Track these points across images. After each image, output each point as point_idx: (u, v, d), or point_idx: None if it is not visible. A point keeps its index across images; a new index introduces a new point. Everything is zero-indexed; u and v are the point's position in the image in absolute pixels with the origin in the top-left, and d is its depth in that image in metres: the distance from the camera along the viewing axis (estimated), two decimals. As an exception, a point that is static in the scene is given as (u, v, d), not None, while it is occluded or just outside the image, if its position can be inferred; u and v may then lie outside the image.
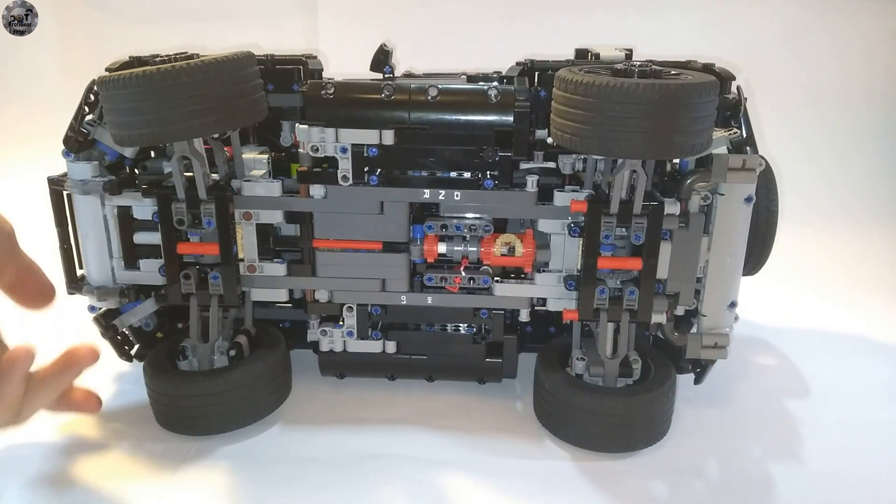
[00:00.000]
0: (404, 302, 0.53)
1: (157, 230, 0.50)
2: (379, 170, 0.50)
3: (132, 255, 0.54)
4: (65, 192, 0.52)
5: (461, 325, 0.56)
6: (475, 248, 0.51)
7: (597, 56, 0.56)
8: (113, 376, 0.60)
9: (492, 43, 1.01)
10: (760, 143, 0.50)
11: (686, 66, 0.52)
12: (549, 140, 0.48)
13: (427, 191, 0.50)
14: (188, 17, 1.04)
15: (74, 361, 0.44)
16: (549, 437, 0.52)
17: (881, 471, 0.49)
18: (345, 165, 0.50)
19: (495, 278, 0.52)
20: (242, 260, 0.53)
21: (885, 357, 0.65)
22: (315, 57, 0.59)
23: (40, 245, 0.62)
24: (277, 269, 0.53)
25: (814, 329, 0.71)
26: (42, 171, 0.54)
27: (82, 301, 0.55)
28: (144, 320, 0.57)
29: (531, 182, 0.50)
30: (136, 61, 0.54)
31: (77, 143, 0.50)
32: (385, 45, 0.54)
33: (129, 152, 0.53)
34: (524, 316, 0.54)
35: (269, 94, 0.54)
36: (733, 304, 0.50)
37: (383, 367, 0.57)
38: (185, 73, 0.43)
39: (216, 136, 0.51)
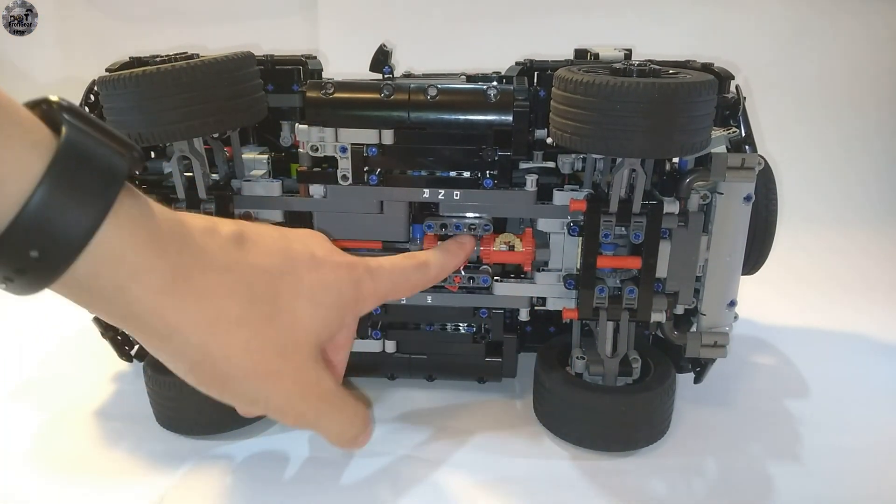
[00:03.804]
0: (404, 301, 0.53)
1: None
2: (378, 169, 0.50)
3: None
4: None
5: (461, 324, 0.56)
6: (476, 246, 0.51)
7: (596, 56, 0.56)
8: (113, 376, 0.60)
9: (491, 43, 1.01)
10: (759, 143, 0.50)
11: (685, 65, 0.52)
12: (549, 140, 0.48)
13: (426, 190, 0.50)
14: (188, 17, 1.04)
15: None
16: (549, 435, 0.52)
17: (880, 470, 0.49)
18: (344, 165, 0.50)
19: (495, 277, 0.52)
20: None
21: (885, 357, 0.65)
22: (315, 57, 0.59)
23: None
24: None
25: (814, 329, 0.71)
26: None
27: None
28: (144, 320, 0.57)
29: (530, 181, 0.50)
30: (136, 61, 0.54)
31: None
32: (385, 46, 0.54)
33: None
34: (524, 315, 0.54)
35: (269, 94, 0.54)
36: (733, 303, 0.50)
37: (383, 366, 0.57)
38: (184, 74, 0.43)
39: (216, 136, 0.51)
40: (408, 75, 0.59)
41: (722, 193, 0.47)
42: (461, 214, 0.51)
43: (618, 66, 0.44)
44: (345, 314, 0.36)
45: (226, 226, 0.33)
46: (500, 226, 0.53)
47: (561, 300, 0.52)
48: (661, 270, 0.49)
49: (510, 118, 0.49)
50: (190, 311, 0.30)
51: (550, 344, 0.56)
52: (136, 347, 0.59)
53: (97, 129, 0.27)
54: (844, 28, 1.00)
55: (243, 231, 0.33)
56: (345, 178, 0.50)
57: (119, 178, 0.26)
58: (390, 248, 0.52)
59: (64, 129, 0.25)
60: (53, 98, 0.26)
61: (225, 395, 0.32)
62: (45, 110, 0.26)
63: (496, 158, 0.50)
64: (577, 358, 0.52)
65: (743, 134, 0.49)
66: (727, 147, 0.49)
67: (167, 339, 0.30)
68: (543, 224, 0.51)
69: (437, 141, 0.50)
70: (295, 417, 0.35)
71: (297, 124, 0.50)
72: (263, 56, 0.56)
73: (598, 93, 0.41)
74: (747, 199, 0.47)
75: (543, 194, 0.50)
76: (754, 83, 0.89)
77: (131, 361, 0.59)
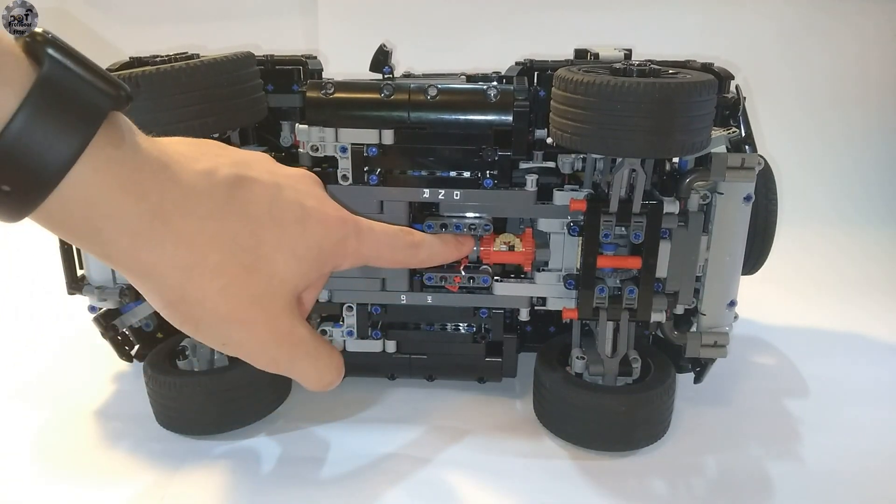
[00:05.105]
0: (404, 301, 0.53)
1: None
2: (378, 169, 0.50)
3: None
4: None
5: (461, 324, 0.56)
6: (475, 248, 0.51)
7: (596, 56, 0.56)
8: (113, 376, 0.60)
9: (491, 43, 1.01)
10: (759, 143, 0.50)
11: (685, 65, 0.52)
12: (549, 140, 0.48)
13: (427, 190, 0.50)
14: (188, 17, 1.04)
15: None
16: (549, 435, 0.52)
17: (880, 471, 0.49)
18: (344, 165, 0.50)
19: (495, 277, 0.52)
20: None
21: (884, 357, 0.65)
22: (315, 57, 0.59)
23: (41, 245, 0.62)
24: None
25: (814, 329, 0.71)
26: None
27: (83, 301, 0.55)
28: (145, 320, 0.57)
29: (530, 181, 0.50)
30: (136, 61, 0.54)
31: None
32: (385, 46, 0.54)
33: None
34: (524, 315, 0.54)
35: (269, 94, 0.54)
36: (733, 303, 0.50)
37: (383, 366, 0.57)
38: (184, 74, 0.43)
39: (216, 136, 0.51)
40: (408, 75, 0.59)
41: (722, 193, 0.47)
42: (461, 214, 0.51)
43: (618, 66, 0.44)
44: (323, 267, 0.36)
45: (225, 169, 0.32)
46: (500, 226, 0.53)
47: (561, 300, 0.52)
48: (661, 270, 0.49)
49: (510, 118, 0.49)
50: (167, 254, 0.30)
51: (550, 344, 0.56)
52: (136, 347, 0.59)
53: (82, 65, 0.26)
54: (844, 28, 1.00)
55: (241, 177, 0.33)
56: (345, 177, 0.50)
57: (98, 116, 0.26)
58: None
59: (44, 64, 0.25)
60: (38, 30, 0.26)
61: (198, 335, 0.33)
62: (29, 43, 0.25)
63: (496, 158, 0.50)
64: (577, 358, 0.52)
65: (743, 134, 0.49)
66: (727, 147, 0.49)
67: (143, 278, 0.30)
68: (543, 224, 0.51)
69: (437, 141, 0.50)
70: (267, 362, 0.36)
71: (297, 124, 0.50)
72: (263, 56, 0.56)
73: (598, 93, 0.41)
74: (747, 198, 0.47)
75: (543, 194, 0.50)
76: (754, 83, 0.89)
77: (131, 361, 0.59)
